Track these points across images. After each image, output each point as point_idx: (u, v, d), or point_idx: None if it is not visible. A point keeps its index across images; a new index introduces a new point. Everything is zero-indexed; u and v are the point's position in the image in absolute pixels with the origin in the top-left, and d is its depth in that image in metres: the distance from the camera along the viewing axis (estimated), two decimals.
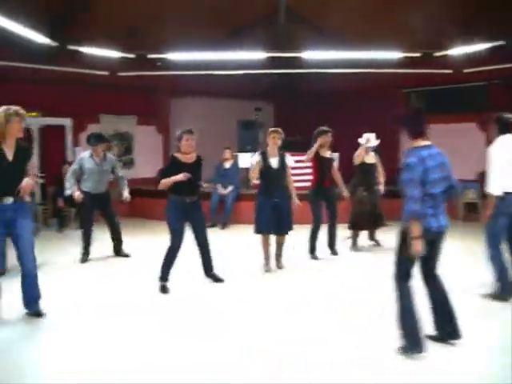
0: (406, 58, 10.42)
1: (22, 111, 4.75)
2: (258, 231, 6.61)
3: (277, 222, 6.50)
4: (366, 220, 7.78)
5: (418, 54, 10.14)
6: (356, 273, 6.65)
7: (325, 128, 7.40)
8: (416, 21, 10.05)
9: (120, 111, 12.83)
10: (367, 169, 7.82)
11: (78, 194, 7.30)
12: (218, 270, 6.20)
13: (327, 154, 7.46)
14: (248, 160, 6.41)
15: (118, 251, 7.74)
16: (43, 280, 5.11)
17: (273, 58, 11.45)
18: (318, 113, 13.56)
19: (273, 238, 6.74)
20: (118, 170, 7.73)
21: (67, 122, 12.20)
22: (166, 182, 5.68)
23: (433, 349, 3.96)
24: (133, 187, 7.99)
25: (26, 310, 4.90)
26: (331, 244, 7.62)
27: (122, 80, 11.91)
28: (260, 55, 10.70)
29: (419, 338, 3.88)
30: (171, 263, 5.82)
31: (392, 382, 3.58)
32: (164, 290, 5.76)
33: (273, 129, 6.75)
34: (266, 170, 6.53)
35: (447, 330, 4.07)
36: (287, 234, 6.70)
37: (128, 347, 4.21)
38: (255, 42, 10.59)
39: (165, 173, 5.79)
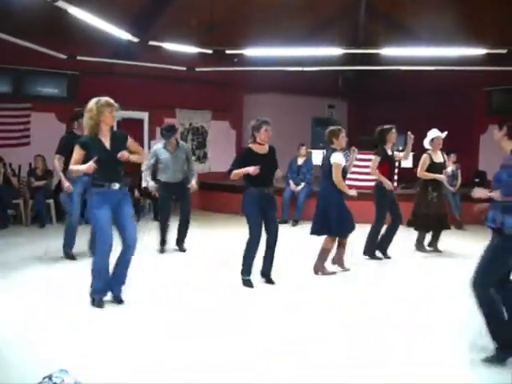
0: (490, 54, 9.96)
1: (112, 101, 4.94)
2: (347, 232, 6.43)
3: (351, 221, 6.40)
4: (431, 221, 7.57)
5: (503, 51, 9.64)
6: (414, 276, 6.51)
7: (388, 126, 7.24)
8: (502, 15, 9.65)
9: (195, 105, 13.07)
10: (436, 168, 7.56)
11: (151, 185, 7.49)
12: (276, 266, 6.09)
13: (390, 151, 7.33)
14: (338, 159, 6.27)
15: (179, 243, 7.77)
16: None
17: (349, 54, 11.28)
18: (393, 111, 13.26)
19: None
20: (191, 158, 7.79)
21: (145, 115, 12.55)
22: (237, 173, 5.66)
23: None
24: (205, 181, 8.13)
25: (111, 291, 5.11)
26: (386, 247, 7.40)
27: (199, 75, 12.11)
28: (336, 51, 10.55)
29: None
30: (253, 257, 5.80)
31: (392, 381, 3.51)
32: (248, 284, 5.77)
33: (340, 127, 6.57)
34: (344, 169, 6.41)
35: None
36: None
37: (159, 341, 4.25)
38: (332, 38, 10.45)
39: (238, 163, 5.75)
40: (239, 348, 4.11)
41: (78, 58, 10.74)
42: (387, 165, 7.22)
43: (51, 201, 9.93)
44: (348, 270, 6.65)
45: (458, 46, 9.75)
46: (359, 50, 10.95)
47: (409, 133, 7.45)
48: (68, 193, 6.97)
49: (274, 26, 10.39)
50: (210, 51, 10.15)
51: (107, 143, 4.95)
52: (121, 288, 5.14)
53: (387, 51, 10.36)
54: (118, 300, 5.11)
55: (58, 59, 10.44)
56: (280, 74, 12.14)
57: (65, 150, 6.67)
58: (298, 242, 8.25)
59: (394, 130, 7.22)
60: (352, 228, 6.40)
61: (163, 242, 7.66)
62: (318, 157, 11.79)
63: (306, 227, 9.60)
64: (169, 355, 3.94)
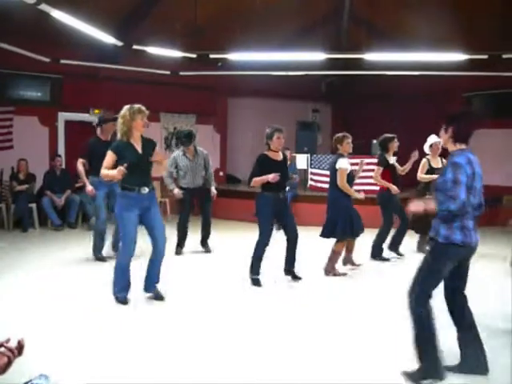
0: (471, 60, 10.10)
1: (144, 108, 5.16)
2: (356, 234, 6.62)
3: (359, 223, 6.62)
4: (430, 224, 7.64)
5: (484, 56, 9.79)
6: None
7: (391, 135, 7.47)
8: (483, 21, 9.79)
9: (180, 109, 13.05)
10: (433, 174, 7.64)
11: (177, 191, 7.66)
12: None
13: (392, 159, 7.58)
14: (343, 164, 6.47)
15: (204, 244, 8.06)
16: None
17: (333, 59, 11.36)
18: (376, 116, 13.39)
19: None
20: (209, 164, 7.96)
21: None
22: (259, 181, 5.94)
23: None
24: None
25: (146, 290, 5.39)
26: (397, 247, 7.74)
27: (183, 79, 12.11)
28: (320, 56, 10.63)
29: (440, 363, 3.54)
30: (261, 257, 6.06)
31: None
32: (257, 283, 6.03)
33: (346, 134, 6.72)
34: (350, 174, 6.58)
35: (474, 361, 3.65)
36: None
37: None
38: (316, 43, 10.51)
39: (257, 171, 5.99)
40: (245, 346, 4.19)
41: (62, 61, 10.69)
42: (389, 172, 7.42)
43: (34, 205, 9.87)
44: (360, 265, 7.05)
45: (439, 52, 9.88)
46: (342, 55, 11.03)
47: (415, 152, 7.61)
48: (91, 196, 7.22)
49: (258, 30, 10.44)
50: (194, 55, 10.15)
51: (139, 148, 5.16)
52: (156, 286, 5.39)
53: (370, 56, 10.45)
54: (158, 297, 5.36)
55: (42, 62, 10.38)
56: (264, 79, 12.18)
57: (89, 155, 7.00)
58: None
59: (396, 140, 7.45)
60: (361, 230, 6.62)
61: (180, 244, 7.83)
62: (302, 161, 11.87)
63: None
64: (173, 355, 3.97)
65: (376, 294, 5.89)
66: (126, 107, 5.13)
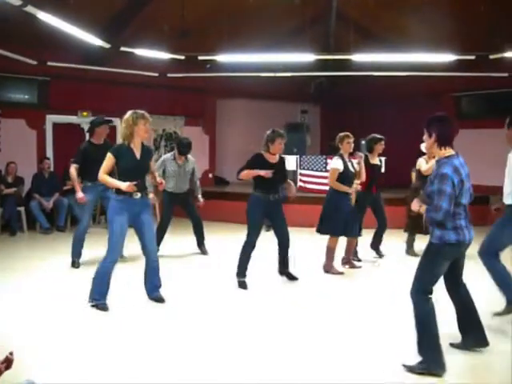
0: (459, 60, 10.17)
1: (147, 115, 5.15)
2: (346, 235, 6.72)
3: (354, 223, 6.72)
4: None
5: (471, 57, 9.86)
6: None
7: (379, 136, 7.44)
8: (470, 22, 9.85)
9: (168, 111, 13.01)
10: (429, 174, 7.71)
11: (152, 196, 7.37)
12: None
13: (377, 160, 7.55)
14: (335, 164, 6.67)
15: (200, 246, 8.08)
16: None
17: (321, 60, 11.38)
18: (364, 116, 13.44)
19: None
20: (196, 172, 8.02)
21: (117, 121, 12.43)
22: (248, 173, 5.89)
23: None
24: None
25: (149, 296, 5.40)
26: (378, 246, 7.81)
27: (171, 81, 12.08)
28: (308, 57, 10.65)
29: (442, 357, 3.70)
30: (248, 259, 6.03)
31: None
32: (243, 285, 5.98)
33: (347, 133, 6.77)
34: (346, 173, 6.60)
35: (474, 337, 4.05)
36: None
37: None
38: (304, 45, 10.53)
39: (248, 166, 5.96)
40: (244, 347, 4.21)
41: (49, 63, 10.63)
42: (368, 172, 7.26)
43: (22, 208, 9.79)
44: (359, 267, 7.10)
45: (428, 53, 9.94)
46: (331, 56, 11.06)
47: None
48: (81, 203, 6.97)
49: (247, 32, 10.44)
50: (182, 57, 10.13)
51: (138, 154, 5.17)
52: (159, 291, 5.42)
53: (358, 57, 10.49)
54: (159, 299, 5.36)
55: (28, 65, 10.30)
56: (253, 80, 12.19)
57: (82, 160, 6.85)
58: (271, 246, 8.29)
59: (382, 142, 7.42)
60: (352, 232, 6.67)
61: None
62: (291, 162, 11.87)
63: None
64: (162, 359, 3.94)
65: (372, 292, 5.92)
66: (130, 112, 5.13)
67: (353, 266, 7.10)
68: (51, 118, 11.52)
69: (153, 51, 9.73)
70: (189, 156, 7.90)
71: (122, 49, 9.61)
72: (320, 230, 6.71)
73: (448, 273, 3.87)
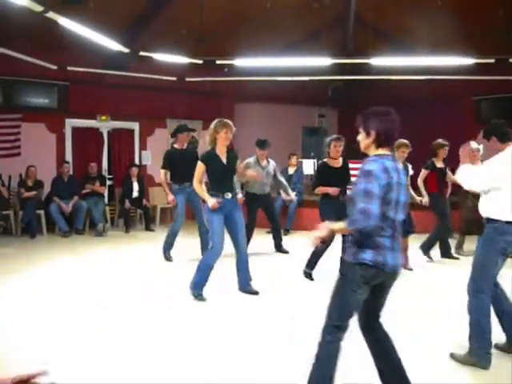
0: (478, 64, 10.07)
1: (229, 123, 5.58)
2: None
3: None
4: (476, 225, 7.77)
5: (491, 60, 9.76)
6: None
7: (443, 141, 7.66)
8: (489, 24, 9.75)
9: (186, 115, 13.06)
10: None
11: (240, 197, 7.58)
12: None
13: (442, 164, 7.74)
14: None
15: (279, 247, 8.43)
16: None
17: (338, 64, 11.35)
18: None
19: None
20: (278, 174, 8.38)
21: (135, 125, 12.54)
22: (321, 190, 6.43)
23: None
24: None
25: (242, 289, 5.82)
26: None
27: (189, 85, 12.15)
28: (326, 61, 10.63)
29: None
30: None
31: None
32: (310, 276, 6.42)
33: (406, 142, 6.97)
34: None
35: None
36: None
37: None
38: (322, 48, 10.53)
39: (318, 178, 6.56)
40: (243, 347, 4.14)
41: (69, 68, 10.75)
42: (435, 175, 7.67)
43: (42, 211, 9.91)
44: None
45: (447, 56, 9.86)
46: (348, 59, 11.03)
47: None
48: (172, 205, 7.69)
49: (264, 36, 10.45)
50: (200, 61, 10.18)
51: (224, 158, 5.61)
52: (251, 284, 5.84)
53: (376, 61, 10.45)
54: (252, 292, 5.78)
55: (48, 69, 10.43)
56: (270, 84, 12.20)
57: (169, 164, 7.51)
58: (290, 250, 8.34)
59: (446, 148, 7.60)
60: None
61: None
62: (308, 166, 11.86)
63: (297, 236, 9.72)
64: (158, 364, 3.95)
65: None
66: (216, 120, 5.59)
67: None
68: (70, 122, 11.63)
69: (171, 56, 9.79)
70: (269, 159, 8.29)
71: (141, 53, 9.69)
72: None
73: (364, 306, 3.10)
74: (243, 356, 4.09)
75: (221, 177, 5.58)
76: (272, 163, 8.31)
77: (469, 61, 9.85)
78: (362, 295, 2.98)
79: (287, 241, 9.29)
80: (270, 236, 8.67)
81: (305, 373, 3.11)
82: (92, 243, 9.18)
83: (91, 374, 3.71)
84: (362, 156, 3.23)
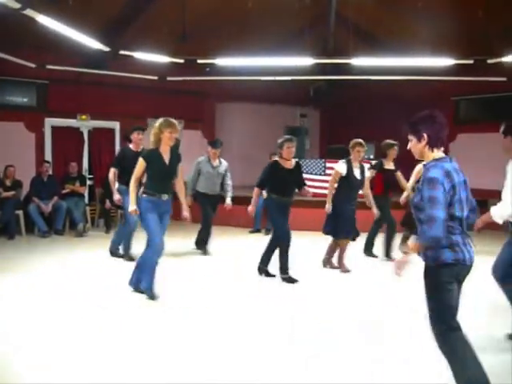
0: (458, 65, 10.18)
1: (173, 123, 5.48)
2: (344, 235, 6.93)
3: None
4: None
5: (470, 61, 9.88)
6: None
7: (392, 141, 7.57)
8: (468, 26, 9.86)
9: (167, 115, 12.92)
10: None
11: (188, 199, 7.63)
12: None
13: (391, 165, 7.67)
14: (339, 167, 6.93)
15: (199, 244, 8.32)
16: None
17: (320, 64, 11.39)
18: (363, 120, 13.44)
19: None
20: (228, 176, 8.31)
21: (116, 125, 12.44)
22: (254, 198, 6.49)
23: None
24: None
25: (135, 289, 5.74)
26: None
27: (170, 84, 12.09)
28: (307, 61, 10.66)
29: None
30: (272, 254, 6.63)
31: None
32: (291, 280, 6.33)
33: (360, 141, 6.91)
34: (350, 179, 6.80)
35: None
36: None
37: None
38: (303, 48, 10.55)
39: (266, 176, 6.40)
40: (243, 347, 4.21)
41: (48, 66, 10.64)
42: (381, 177, 7.57)
43: (20, 212, 9.78)
44: (349, 271, 7.04)
45: (427, 57, 9.96)
46: (329, 59, 11.07)
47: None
48: (118, 204, 7.54)
49: (246, 35, 10.44)
50: (181, 60, 10.14)
51: (166, 158, 5.53)
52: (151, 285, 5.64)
53: (357, 61, 10.50)
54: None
55: (27, 68, 10.30)
56: (252, 84, 12.19)
57: (120, 163, 7.37)
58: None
59: (396, 147, 7.54)
60: (348, 233, 6.89)
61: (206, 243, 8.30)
62: None
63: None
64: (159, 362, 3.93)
65: (364, 291, 5.89)
66: (160, 119, 5.50)
67: (343, 267, 7.09)
68: (50, 121, 11.51)
69: (152, 55, 9.74)
70: (221, 159, 8.22)
71: (122, 52, 9.63)
72: (324, 232, 7.06)
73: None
74: (243, 356, 4.08)
75: (160, 177, 5.51)
76: (224, 164, 8.25)
77: (448, 61, 9.96)
78: (456, 290, 3.13)
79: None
80: (253, 235, 8.69)
81: (305, 373, 3.09)
82: (72, 244, 9.09)
83: (91, 374, 3.69)
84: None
